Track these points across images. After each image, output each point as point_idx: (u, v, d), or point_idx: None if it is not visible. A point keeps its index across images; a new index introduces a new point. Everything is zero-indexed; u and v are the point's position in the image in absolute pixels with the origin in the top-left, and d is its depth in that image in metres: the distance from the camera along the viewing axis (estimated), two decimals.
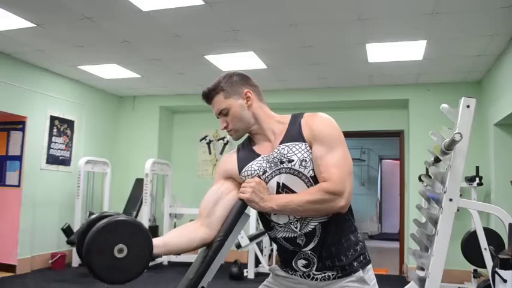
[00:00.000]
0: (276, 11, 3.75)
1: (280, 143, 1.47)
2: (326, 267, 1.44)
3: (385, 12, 3.75)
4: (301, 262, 1.47)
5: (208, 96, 1.54)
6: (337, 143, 1.41)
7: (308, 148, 1.43)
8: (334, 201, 1.34)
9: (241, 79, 1.55)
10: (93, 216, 1.33)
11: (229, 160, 1.58)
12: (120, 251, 1.24)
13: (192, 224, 1.50)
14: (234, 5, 3.65)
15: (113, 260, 1.23)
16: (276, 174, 1.45)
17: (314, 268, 1.45)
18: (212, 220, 1.47)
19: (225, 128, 1.54)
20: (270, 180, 1.46)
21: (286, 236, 1.47)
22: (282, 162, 1.44)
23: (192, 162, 7.24)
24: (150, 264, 6.01)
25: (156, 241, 1.33)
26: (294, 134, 1.46)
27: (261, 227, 5.52)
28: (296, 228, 1.44)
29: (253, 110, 1.53)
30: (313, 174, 1.41)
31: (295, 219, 1.43)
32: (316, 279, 1.46)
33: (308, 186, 1.41)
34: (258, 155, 1.51)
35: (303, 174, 1.42)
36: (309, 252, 1.45)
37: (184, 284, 1.40)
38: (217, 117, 1.57)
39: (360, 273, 1.44)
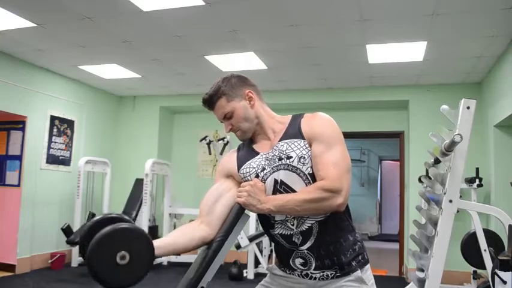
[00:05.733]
0: (276, 11, 3.75)
1: (280, 140, 1.49)
2: (325, 266, 1.44)
3: (385, 13, 3.75)
4: (298, 261, 1.48)
5: (210, 102, 1.53)
6: (336, 142, 1.41)
7: (307, 145, 1.44)
8: (332, 199, 1.35)
9: (240, 80, 1.55)
10: (96, 219, 1.35)
11: (230, 159, 1.60)
12: (123, 258, 1.26)
13: (192, 223, 1.50)
14: (234, 5, 3.65)
15: (115, 266, 1.25)
16: (274, 171, 1.46)
17: (312, 267, 1.46)
18: (212, 218, 1.47)
19: (231, 130, 1.55)
20: (268, 177, 1.47)
21: (283, 232, 1.47)
22: (280, 159, 1.45)
23: (192, 163, 7.24)
24: None
25: (156, 243, 1.34)
26: (293, 131, 1.48)
27: (261, 227, 5.54)
28: (293, 225, 1.45)
29: (256, 109, 1.54)
30: (311, 172, 1.42)
31: (292, 216, 1.44)
32: (315, 278, 1.47)
33: (306, 184, 1.42)
34: (257, 153, 1.53)
35: (301, 171, 1.43)
36: (306, 251, 1.45)
37: (184, 284, 1.40)
38: (221, 122, 1.57)
39: (358, 272, 1.44)
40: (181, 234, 1.47)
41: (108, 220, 1.32)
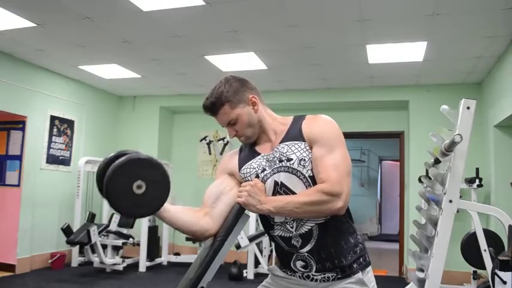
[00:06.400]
0: (276, 11, 3.75)
1: (280, 142, 1.48)
2: (326, 269, 1.44)
3: (385, 13, 3.75)
4: (299, 263, 1.47)
5: (213, 109, 1.49)
6: (337, 145, 1.41)
7: (307, 148, 1.43)
8: (332, 203, 1.34)
9: (242, 84, 1.52)
10: (112, 154, 1.36)
11: (231, 159, 1.59)
12: (139, 187, 1.28)
13: (198, 211, 1.49)
14: (234, 5, 3.65)
15: (131, 195, 1.28)
16: (275, 173, 1.46)
17: (313, 270, 1.45)
18: (214, 213, 1.47)
19: (235, 136, 1.53)
20: (268, 178, 1.46)
21: (282, 234, 1.47)
22: (281, 161, 1.45)
23: (192, 163, 7.25)
24: (149, 264, 6.02)
25: (165, 205, 1.35)
26: (294, 133, 1.47)
27: (261, 227, 5.53)
28: (292, 228, 1.44)
29: (259, 113, 1.53)
30: (311, 174, 1.41)
31: (291, 218, 1.43)
32: (316, 280, 1.46)
33: (306, 186, 1.41)
34: (258, 154, 1.53)
35: (301, 174, 1.42)
36: (306, 254, 1.45)
37: (184, 284, 1.40)
38: (224, 127, 1.54)
39: (360, 275, 1.44)
40: (187, 213, 1.46)
41: (124, 154, 1.34)
